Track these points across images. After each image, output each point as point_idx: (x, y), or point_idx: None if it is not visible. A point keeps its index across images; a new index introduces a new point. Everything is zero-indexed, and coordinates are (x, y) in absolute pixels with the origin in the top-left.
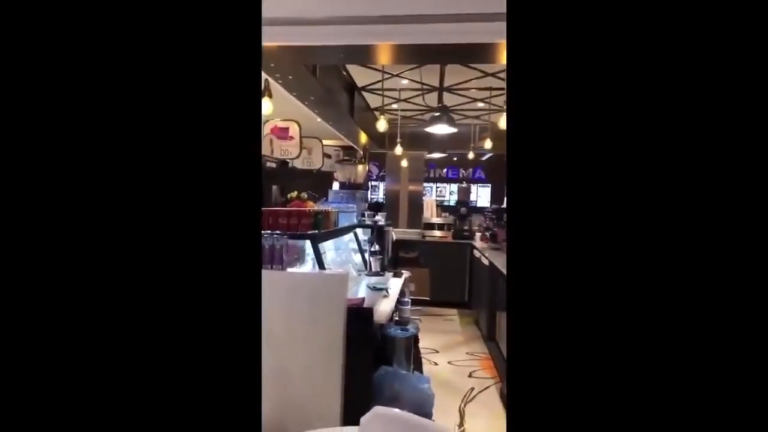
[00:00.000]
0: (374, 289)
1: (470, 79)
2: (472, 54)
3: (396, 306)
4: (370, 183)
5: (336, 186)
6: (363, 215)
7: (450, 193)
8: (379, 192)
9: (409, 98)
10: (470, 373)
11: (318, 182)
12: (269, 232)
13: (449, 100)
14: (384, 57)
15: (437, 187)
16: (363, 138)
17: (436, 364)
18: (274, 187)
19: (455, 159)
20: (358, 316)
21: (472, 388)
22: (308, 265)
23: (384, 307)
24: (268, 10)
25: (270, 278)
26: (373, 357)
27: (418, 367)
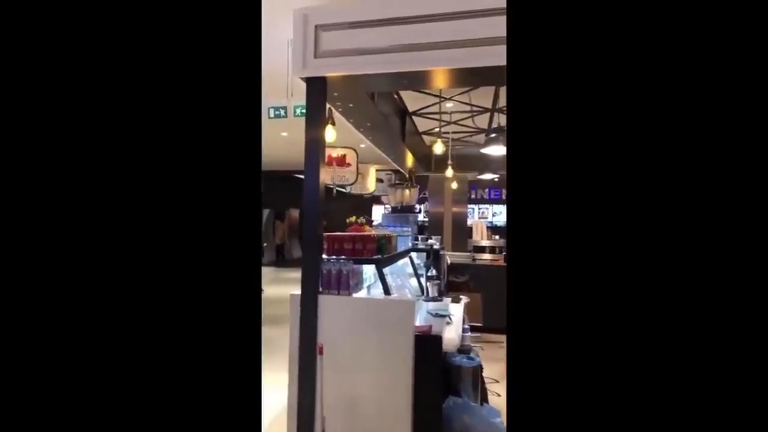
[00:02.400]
0: (436, 315)
1: None
2: None
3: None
4: (417, 205)
5: (378, 209)
6: (417, 239)
7: (493, 214)
8: (419, 214)
9: (459, 120)
10: None
11: (359, 206)
12: (335, 257)
13: (501, 120)
14: (441, 81)
15: (479, 209)
16: (409, 161)
17: (498, 395)
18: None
19: (496, 180)
20: (427, 344)
21: None
22: (363, 291)
23: (450, 335)
24: (331, 43)
25: (337, 303)
26: (441, 387)
27: (484, 398)
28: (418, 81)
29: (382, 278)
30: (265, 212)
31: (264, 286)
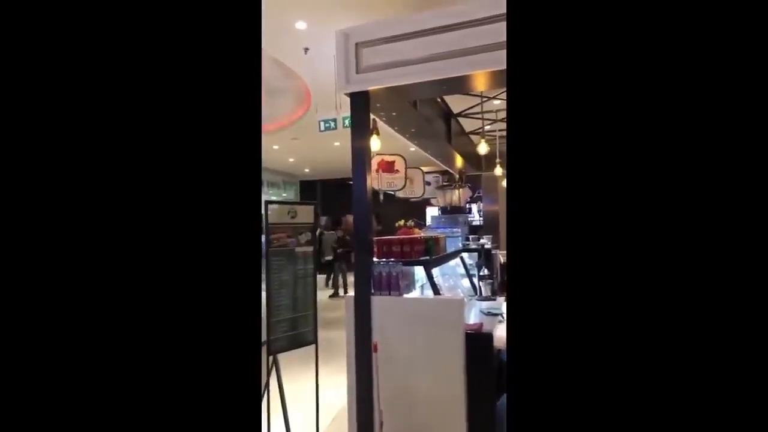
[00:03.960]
0: (488, 314)
1: None
2: None
3: None
4: (467, 206)
5: (431, 211)
6: (467, 239)
7: None
8: (473, 214)
9: (505, 118)
10: None
11: (411, 209)
12: (385, 259)
13: None
14: (481, 84)
15: None
16: (459, 162)
17: None
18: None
19: None
20: (477, 341)
21: None
22: (416, 292)
23: (502, 333)
24: (371, 59)
25: (389, 303)
26: (495, 384)
27: None
28: (457, 86)
29: (430, 278)
30: (322, 219)
31: (341, 291)
